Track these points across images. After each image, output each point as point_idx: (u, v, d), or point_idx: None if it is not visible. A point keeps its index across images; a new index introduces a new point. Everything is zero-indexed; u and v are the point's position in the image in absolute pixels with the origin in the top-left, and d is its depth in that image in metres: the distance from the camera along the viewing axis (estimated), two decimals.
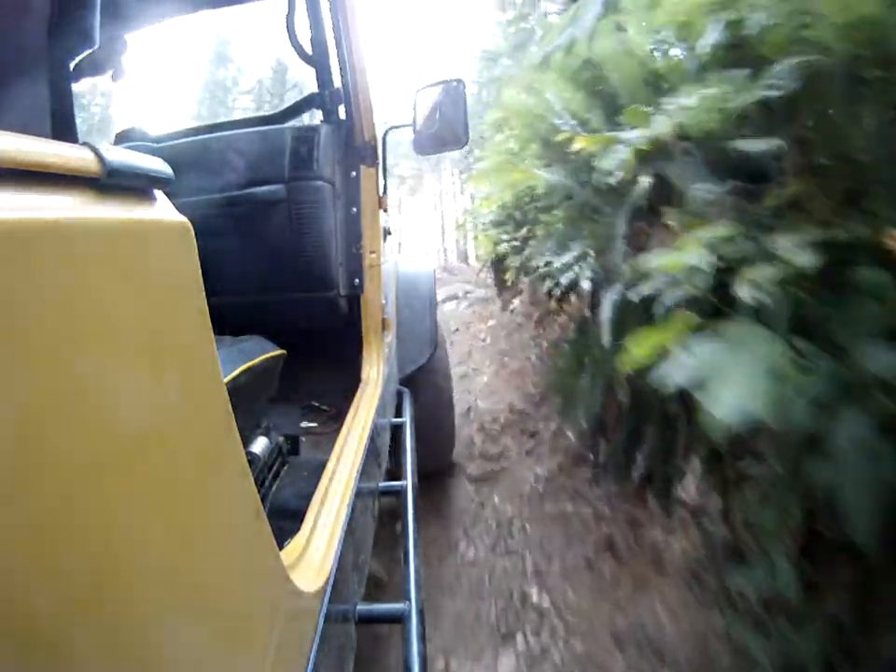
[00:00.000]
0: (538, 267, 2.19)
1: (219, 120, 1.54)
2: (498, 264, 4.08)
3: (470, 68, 16.81)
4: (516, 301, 3.95)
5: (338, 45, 1.12)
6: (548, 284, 2.10)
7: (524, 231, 3.00)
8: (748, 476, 0.85)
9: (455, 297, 6.33)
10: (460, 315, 5.35)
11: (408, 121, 1.41)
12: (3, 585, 0.19)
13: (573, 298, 1.79)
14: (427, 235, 25.33)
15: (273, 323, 1.13)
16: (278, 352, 0.83)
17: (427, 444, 1.60)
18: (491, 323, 4.27)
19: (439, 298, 5.70)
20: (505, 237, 3.19)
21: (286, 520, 0.66)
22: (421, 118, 1.37)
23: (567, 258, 1.43)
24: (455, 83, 1.35)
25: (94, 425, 0.24)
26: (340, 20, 1.09)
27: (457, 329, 4.48)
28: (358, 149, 1.21)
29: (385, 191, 1.37)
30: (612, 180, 1.05)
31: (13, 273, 0.20)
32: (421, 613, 0.77)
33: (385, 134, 1.47)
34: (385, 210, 1.39)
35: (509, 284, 3.57)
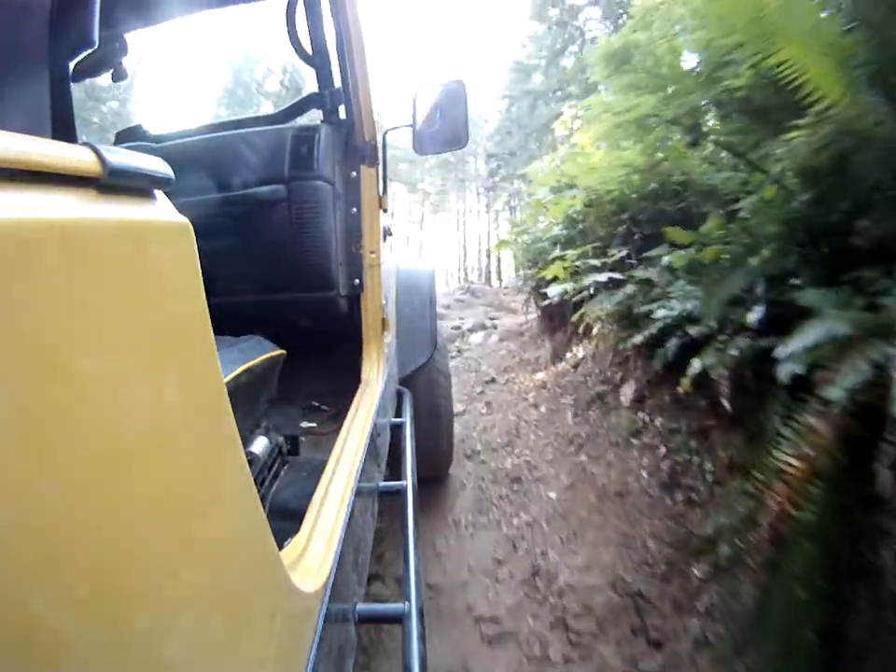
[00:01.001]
0: (663, 318, 1.47)
1: (223, 120, 1.54)
2: (542, 291, 3.08)
3: (499, 81, 16.59)
4: (580, 351, 2.79)
5: (338, 45, 1.12)
6: (700, 356, 1.25)
7: (618, 252, 2.14)
8: None
9: (482, 326, 5.15)
10: (493, 355, 4.01)
11: (409, 122, 1.41)
12: (3, 585, 0.19)
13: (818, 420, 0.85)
14: (448, 253, 24.97)
15: (273, 323, 1.13)
16: (278, 352, 0.83)
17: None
18: (541, 377, 3.00)
19: (464, 326, 5.17)
20: (594, 262, 2.23)
21: (286, 520, 0.66)
22: (421, 117, 1.37)
23: (816, 334, 0.78)
24: (455, 84, 1.35)
25: (94, 424, 0.24)
26: (340, 19, 1.09)
27: (493, 380, 3.29)
28: (359, 149, 1.21)
29: (385, 191, 1.37)
30: None
31: (13, 273, 0.20)
32: (421, 613, 0.76)
33: (385, 135, 1.47)
34: (385, 210, 1.39)
35: (580, 328, 2.57)
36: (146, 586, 0.27)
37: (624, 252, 2.04)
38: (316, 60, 1.25)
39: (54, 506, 0.22)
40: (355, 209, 1.23)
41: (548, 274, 2.46)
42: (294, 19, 1.25)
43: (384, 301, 1.31)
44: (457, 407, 2.66)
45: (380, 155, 1.29)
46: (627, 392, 2.10)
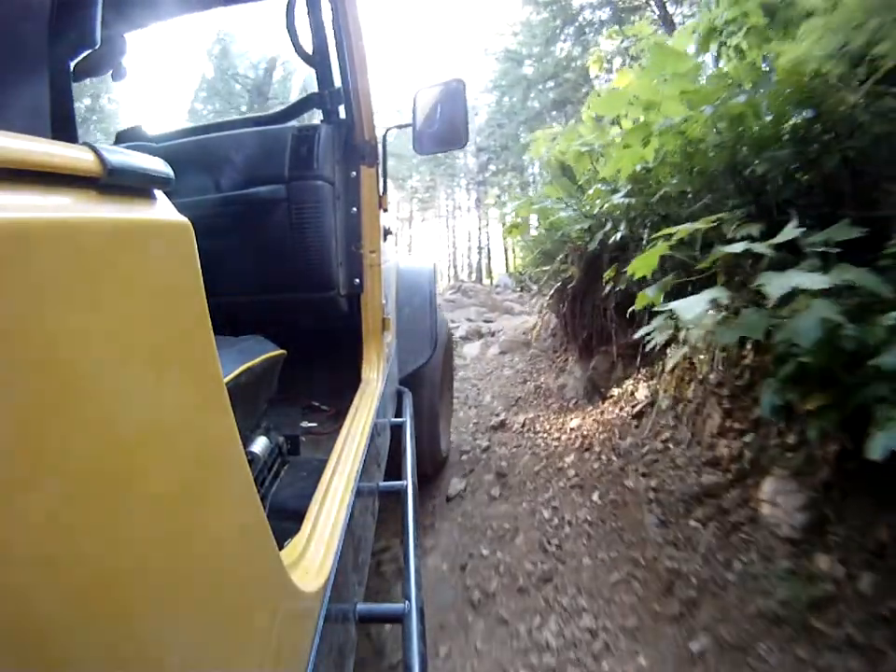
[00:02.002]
0: None
1: (222, 120, 1.54)
2: (569, 294, 2.39)
3: (489, 71, 16.35)
4: (639, 389, 1.82)
5: (338, 45, 1.12)
6: None
7: (748, 230, 1.14)
8: None
9: (478, 333, 4.26)
10: (496, 376, 3.02)
11: (409, 121, 1.41)
12: (4, 584, 0.19)
13: None
14: (437, 251, 24.79)
15: (273, 323, 1.13)
16: (278, 352, 0.84)
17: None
18: (577, 425, 2.00)
19: (457, 333, 4.48)
20: (762, 249, 0.98)
21: (286, 520, 0.66)
22: (421, 117, 1.37)
23: None
24: (455, 83, 1.35)
25: (95, 424, 0.24)
26: (340, 19, 1.09)
27: (502, 424, 2.30)
28: (358, 149, 1.22)
29: (384, 191, 1.37)
30: None
31: (14, 273, 0.20)
32: (421, 613, 0.76)
33: (385, 134, 1.47)
34: (385, 210, 1.39)
35: (639, 351, 1.74)
36: (146, 586, 0.27)
37: (796, 231, 1.01)
38: (316, 60, 1.25)
39: (54, 506, 0.22)
40: (355, 209, 1.23)
41: (636, 271, 1.27)
42: (294, 19, 1.25)
43: (384, 301, 1.31)
44: (454, 483, 1.89)
45: (380, 154, 1.29)
46: (784, 504, 1.10)
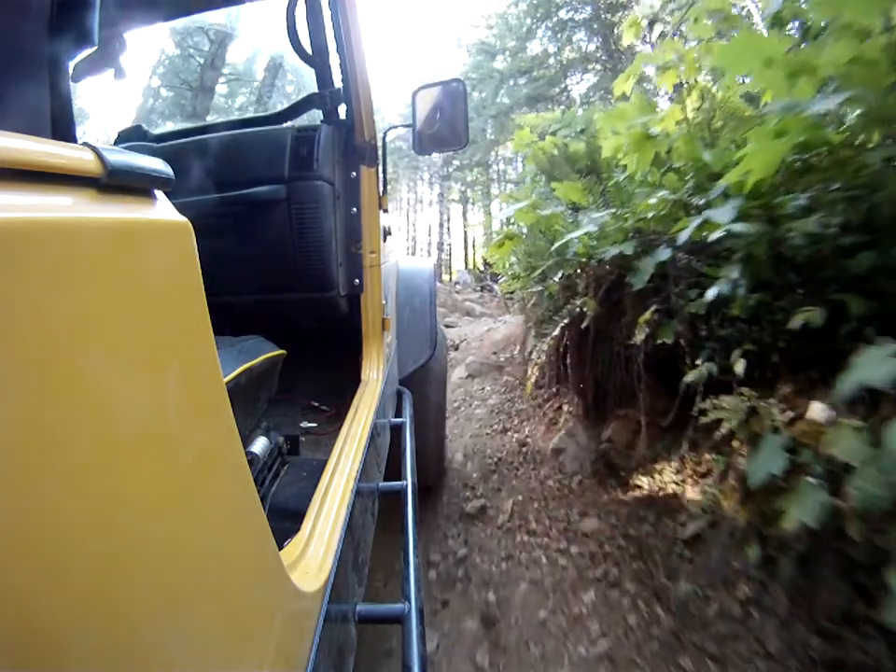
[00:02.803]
0: None
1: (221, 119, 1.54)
2: (576, 333, 1.85)
3: (459, 63, 16.05)
4: (690, 494, 1.26)
5: (338, 45, 1.12)
6: None
7: None
8: None
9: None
10: (465, 413, 2.38)
11: (404, 121, 1.41)
12: (4, 584, 0.19)
13: None
14: (397, 245, 24.70)
15: (273, 323, 1.13)
16: (278, 352, 0.84)
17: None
18: (592, 529, 1.45)
19: None
20: None
21: (286, 520, 0.66)
22: (421, 117, 1.37)
23: None
24: (454, 83, 1.35)
25: (94, 424, 0.24)
26: (340, 19, 1.09)
27: (482, 510, 1.70)
28: (358, 149, 1.22)
29: (384, 191, 1.37)
30: None
31: (13, 273, 0.20)
32: (420, 613, 0.76)
33: (385, 134, 1.48)
34: (385, 210, 1.39)
35: (688, 430, 1.25)
36: (146, 586, 0.27)
37: None
38: (316, 60, 1.25)
39: (53, 506, 0.22)
40: (355, 209, 1.24)
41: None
42: (294, 19, 1.25)
43: (384, 301, 1.31)
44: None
45: (380, 155, 1.29)
46: None
